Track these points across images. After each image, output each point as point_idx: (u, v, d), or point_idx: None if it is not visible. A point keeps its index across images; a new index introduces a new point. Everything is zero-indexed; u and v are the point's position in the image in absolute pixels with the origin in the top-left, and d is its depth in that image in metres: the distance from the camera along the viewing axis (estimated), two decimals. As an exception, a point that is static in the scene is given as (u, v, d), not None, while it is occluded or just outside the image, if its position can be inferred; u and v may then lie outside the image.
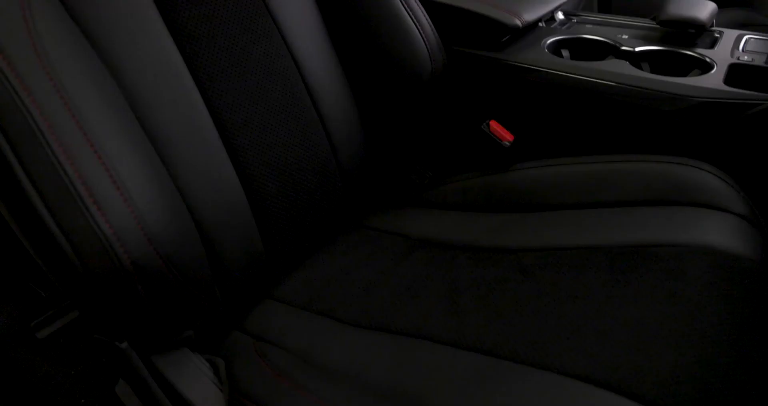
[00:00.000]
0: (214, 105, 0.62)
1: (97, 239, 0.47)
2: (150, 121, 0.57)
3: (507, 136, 0.77)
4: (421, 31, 0.75)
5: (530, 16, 0.84)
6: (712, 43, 0.85)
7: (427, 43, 0.76)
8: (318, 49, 0.73)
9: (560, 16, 0.99)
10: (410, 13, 0.75)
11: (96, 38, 0.55)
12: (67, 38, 0.51)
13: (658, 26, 0.88)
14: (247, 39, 0.65)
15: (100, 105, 0.50)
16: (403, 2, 0.75)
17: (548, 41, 0.87)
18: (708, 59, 0.80)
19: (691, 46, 0.84)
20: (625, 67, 0.79)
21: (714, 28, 0.88)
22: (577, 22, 0.97)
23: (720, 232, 0.61)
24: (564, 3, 0.95)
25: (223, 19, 0.64)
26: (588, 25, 0.95)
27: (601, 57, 0.85)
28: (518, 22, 0.82)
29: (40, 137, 0.46)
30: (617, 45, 0.86)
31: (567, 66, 0.81)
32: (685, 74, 0.79)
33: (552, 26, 0.94)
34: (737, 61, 0.78)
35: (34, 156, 0.47)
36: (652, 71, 0.81)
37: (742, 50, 0.82)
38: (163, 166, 0.56)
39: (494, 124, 0.78)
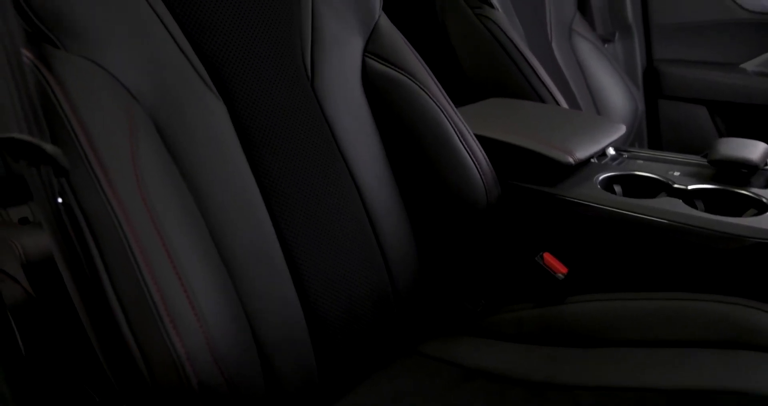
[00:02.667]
0: (283, 233, 0.67)
1: (169, 355, 0.50)
2: (225, 245, 0.62)
3: (561, 269, 0.79)
4: (478, 166, 0.81)
5: (582, 154, 0.88)
6: (767, 183, 0.86)
7: (482, 176, 0.81)
8: (381, 181, 0.78)
9: (611, 151, 1.02)
10: (467, 148, 0.81)
11: (186, 167, 0.62)
12: (162, 165, 0.58)
13: (709, 164, 0.90)
14: (319, 176, 0.72)
15: (185, 229, 0.56)
16: (461, 138, 0.80)
17: (600, 177, 0.90)
18: (764, 199, 0.80)
19: (745, 185, 0.85)
20: (678, 206, 0.80)
21: (767, 167, 0.89)
22: (627, 157, 1.01)
23: (788, 381, 0.59)
24: (615, 140, 0.99)
25: (298, 157, 0.70)
26: (639, 161, 0.98)
27: (654, 194, 0.87)
28: (571, 160, 0.86)
29: (128, 251, 0.51)
30: (669, 183, 0.88)
31: (620, 203, 0.83)
32: (740, 214, 0.80)
33: (603, 162, 0.98)
34: None
35: (121, 269, 0.52)
36: (707, 210, 0.82)
37: (798, 190, 0.82)
38: (234, 289, 0.60)
39: (548, 257, 0.80)
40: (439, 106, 0.79)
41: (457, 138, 0.80)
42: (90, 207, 0.53)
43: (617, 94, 1.59)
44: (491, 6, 1.33)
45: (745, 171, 0.87)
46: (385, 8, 0.85)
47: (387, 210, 0.78)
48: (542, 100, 1.28)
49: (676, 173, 0.90)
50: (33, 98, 0.53)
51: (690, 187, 0.86)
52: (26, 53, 0.56)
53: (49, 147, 0.49)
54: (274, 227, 0.66)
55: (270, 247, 0.65)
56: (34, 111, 0.53)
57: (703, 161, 0.94)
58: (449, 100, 0.83)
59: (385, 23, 0.83)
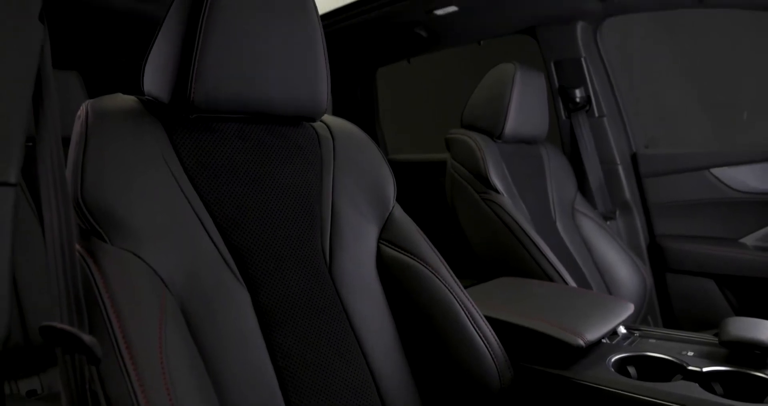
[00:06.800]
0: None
1: None
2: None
3: (582, 459, 0.76)
4: (489, 349, 0.82)
5: (593, 335, 0.89)
6: (783, 365, 0.85)
7: (495, 359, 0.82)
8: (394, 363, 0.80)
9: (622, 330, 1.04)
10: (479, 331, 0.83)
11: (207, 347, 0.65)
12: (186, 352, 0.61)
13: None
14: (332, 356, 0.74)
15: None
16: (472, 321, 0.83)
17: (613, 359, 0.90)
18: (783, 384, 0.79)
19: (762, 367, 0.84)
20: (695, 391, 0.79)
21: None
22: (639, 336, 1.01)
23: None
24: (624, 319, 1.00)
25: (313, 338, 0.73)
26: (651, 341, 0.98)
27: (669, 375, 0.86)
28: (582, 343, 0.87)
29: None
30: (684, 364, 0.87)
31: (636, 387, 0.82)
32: (761, 399, 0.78)
33: (614, 342, 0.98)
34: None
35: None
36: (725, 393, 0.81)
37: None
38: None
39: (567, 446, 0.77)
40: (450, 291, 0.84)
41: (468, 321, 0.82)
42: (115, 393, 0.55)
43: (624, 269, 1.63)
44: (497, 191, 1.45)
45: (759, 352, 0.87)
46: (399, 196, 0.94)
47: (399, 392, 0.78)
48: (550, 279, 1.32)
49: (690, 353, 0.90)
50: (78, 288, 0.58)
51: (705, 369, 0.85)
52: (77, 247, 0.62)
53: (86, 338, 0.53)
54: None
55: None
56: (77, 300, 0.57)
57: (716, 340, 0.94)
58: (460, 284, 0.87)
59: (399, 213, 0.91)
